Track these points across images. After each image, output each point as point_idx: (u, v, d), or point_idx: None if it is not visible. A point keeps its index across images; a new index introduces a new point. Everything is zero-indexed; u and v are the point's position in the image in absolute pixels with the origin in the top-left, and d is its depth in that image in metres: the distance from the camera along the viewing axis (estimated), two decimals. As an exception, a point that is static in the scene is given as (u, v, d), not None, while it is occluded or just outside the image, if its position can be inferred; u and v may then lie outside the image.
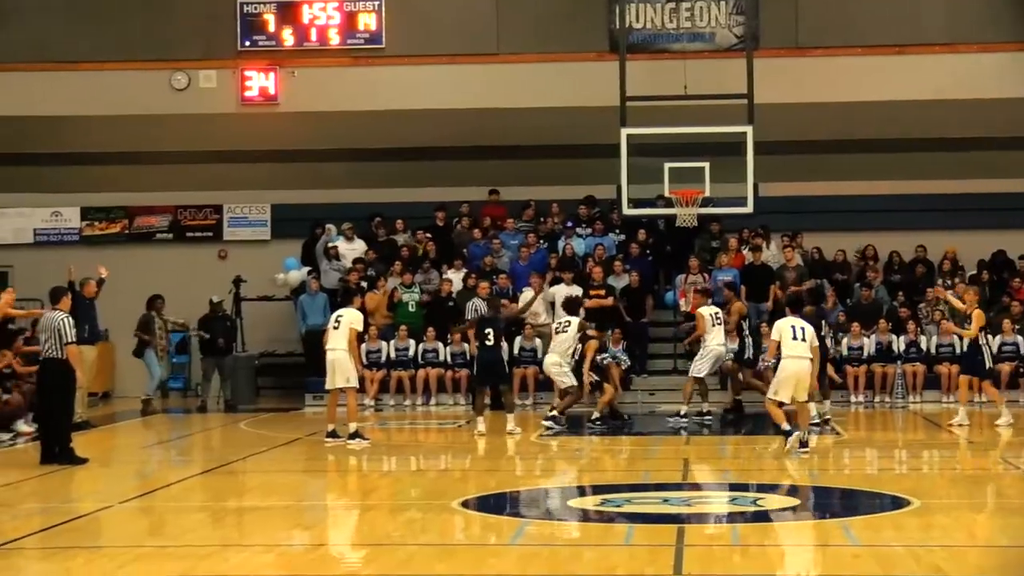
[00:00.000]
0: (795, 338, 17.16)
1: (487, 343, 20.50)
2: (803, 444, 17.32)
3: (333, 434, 19.55)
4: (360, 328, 19.88)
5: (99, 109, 29.01)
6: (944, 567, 10.52)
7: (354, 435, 19.24)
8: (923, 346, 26.07)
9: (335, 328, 19.54)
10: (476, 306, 25.20)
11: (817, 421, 21.67)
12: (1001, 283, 27.72)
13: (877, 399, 25.69)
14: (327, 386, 19.71)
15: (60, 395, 17.87)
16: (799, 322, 17.45)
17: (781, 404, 17.40)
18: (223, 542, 12.36)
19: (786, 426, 17.44)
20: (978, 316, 20.98)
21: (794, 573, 10.50)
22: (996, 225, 28.51)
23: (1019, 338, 25.92)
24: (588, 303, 26.40)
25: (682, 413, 22.35)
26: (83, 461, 17.48)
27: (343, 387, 19.51)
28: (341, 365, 19.41)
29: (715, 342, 22.52)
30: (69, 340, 17.67)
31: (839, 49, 28.69)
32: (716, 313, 22.47)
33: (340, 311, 19.83)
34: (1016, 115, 28.24)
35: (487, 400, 21.33)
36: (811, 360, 17.28)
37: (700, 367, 22.64)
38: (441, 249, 28.44)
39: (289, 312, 28.52)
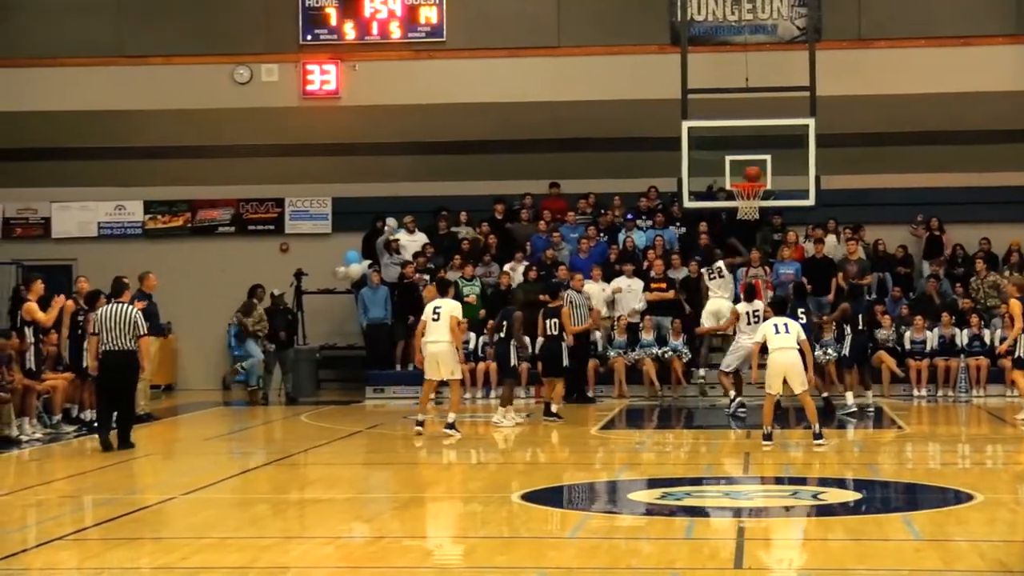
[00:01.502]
0: (777, 333, 17.38)
1: (500, 335, 21.00)
2: (817, 436, 17.44)
3: (421, 423, 19.43)
4: (460, 316, 19.62)
5: (162, 103, 29.20)
6: (1007, 562, 10.45)
7: (451, 426, 19.09)
8: (987, 340, 25.86)
9: (435, 320, 19.18)
10: (571, 298, 24.87)
11: (854, 410, 21.75)
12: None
13: (940, 393, 25.51)
14: (428, 376, 19.44)
15: (126, 386, 18.13)
16: (781, 320, 17.67)
17: (778, 403, 17.61)
18: (284, 534, 12.43)
19: (767, 429, 17.59)
20: (1015, 306, 20.72)
21: (856, 567, 10.45)
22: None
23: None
24: (649, 296, 26.46)
25: (733, 402, 22.19)
26: (132, 446, 17.98)
27: (448, 379, 19.41)
28: (445, 358, 19.15)
29: (747, 339, 21.48)
30: (143, 332, 17.97)
31: (903, 40, 28.49)
32: (755, 311, 22.09)
33: (438, 302, 19.42)
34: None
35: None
36: (800, 352, 17.36)
37: (728, 361, 22.41)
38: (500, 242, 28.47)
39: (350, 305, 28.61)
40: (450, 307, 19.31)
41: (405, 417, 19.70)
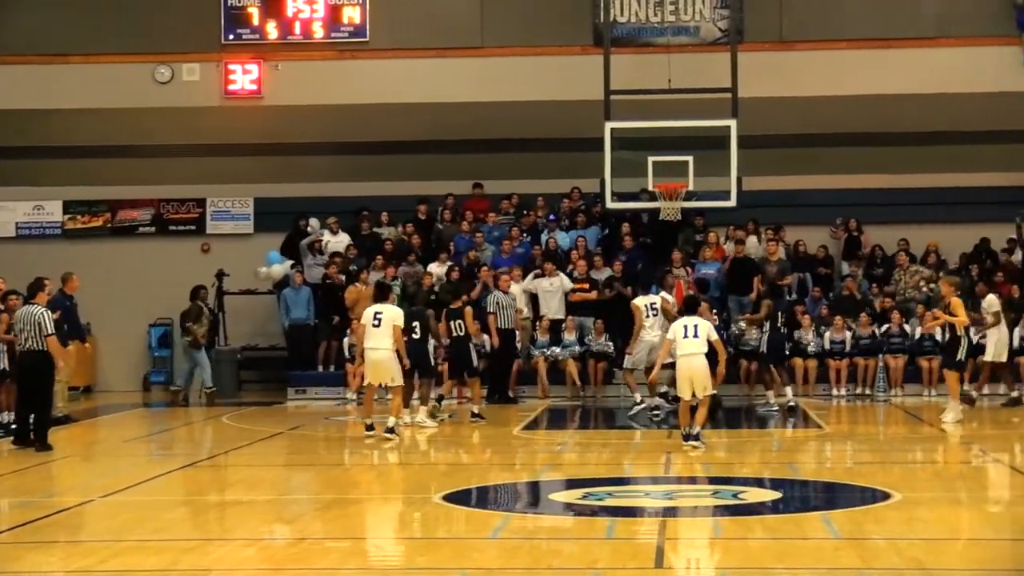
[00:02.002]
0: (686, 336, 17.23)
1: (414, 336, 20.41)
2: (688, 438, 17.27)
3: (371, 427, 18.99)
4: (401, 324, 19.13)
5: (82, 102, 29.02)
6: (925, 560, 10.55)
7: (391, 430, 18.75)
8: (908, 331, 26.05)
9: (375, 326, 18.85)
10: (498, 299, 25.00)
11: (775, 409, 22.21)
12: (983, 275, 27.76)
13: (859, 391, 25.74)
14: (369, 381, 19.16)
15: (39, 386, 18.00)
16: (692, 320, 17.47)
17: (694, 405, 17.34)
18: (205, 536, 12.36)
19: (686, 430, 17.35)
20: (957, 304, 20.81)
21: (775, 566, 10.53)
22: (978, 219, 28.53)
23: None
24: (573, 297, 26.53)
25: (637, 405, 21.94)
26: (50, 448, 17.81)
27: (389, 385, 19.15)
28: (386, 365, 18.85)
29: (649, 333, 21.62)
30: (49, 332, 17.81)
31: (823, 43, 28.79)
32: (652, 304, 21.78)
33: (378, 307, 19.08)
34: (1000, 109, 28.38)
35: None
36: (706, 355, 17.21)
37: (632, 360, 22.07)
38: (424, 243, 28.44)
39: (272, 306, 28.48)
40: (392, 313, 19.02)
41: (327, 419, 19.58)
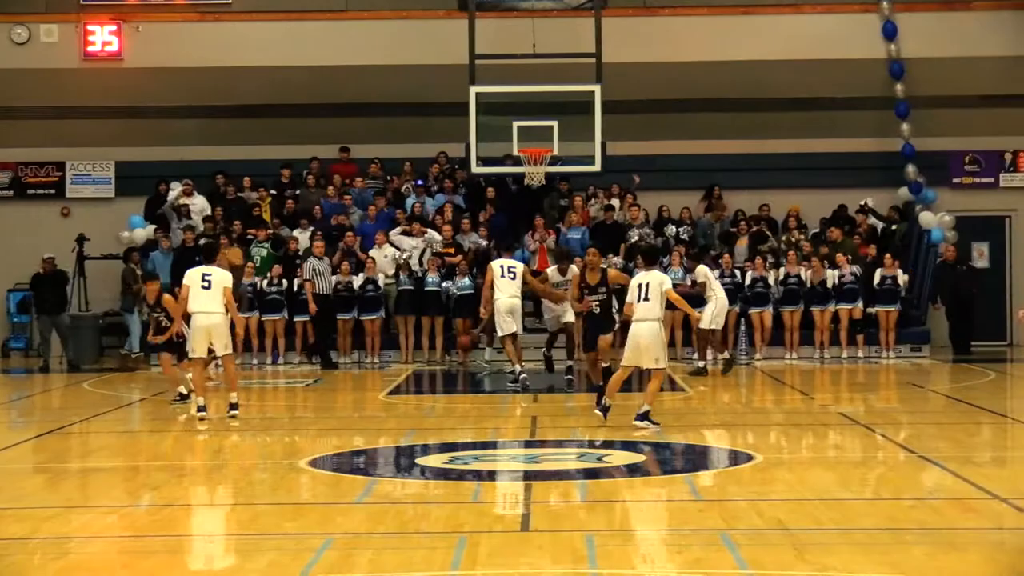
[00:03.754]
0: (639, 299, 15.89)
1: None
2: (605, 410, 16.42)
3: (204, 408, 17.45)
4: (230, 285, 17.56)
5: (-64, 63, 28.41)
6: (784, 519, 10.72)
7: (234, 406, 17.63)
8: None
9: (205, 288, 17.29)
10: (313, 265, 25.23)
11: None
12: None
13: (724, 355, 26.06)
14: (196, 353, 17.50)
15: None
16: (645, 278, 16.09)
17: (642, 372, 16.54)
18: (66, 504, 12.19)
19: (607, 402, 16.44)
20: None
21: (639, 528, 10.63)
22: (837, 184, 28.98)
23: (856, 268, 26.47)
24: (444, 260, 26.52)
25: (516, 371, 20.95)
26: None
27: (221, 354, 17.77)
28: (220, 331, 17.34)
29: (503, 297, 20.73)
30: None
31: (686, 9, 29.03)
32: (510, 267, 20.89)
33: (206, 269, 17.49)
34: (857, 76, 28.79)
35: None
36: (659, 321, 15.91)
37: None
38: (286, 207, 28.26)
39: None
40: (221, 276, 17.52)
41: (173, 403, 19.05)
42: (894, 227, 28.55)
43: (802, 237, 27.67)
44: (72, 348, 26.19)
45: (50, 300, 25.92)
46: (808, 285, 26.42)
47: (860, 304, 26.36)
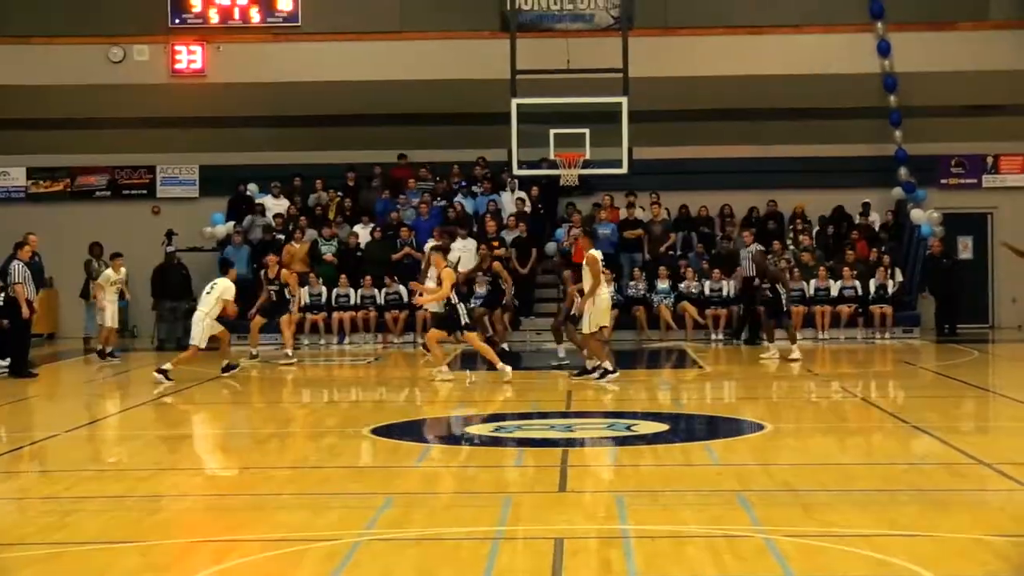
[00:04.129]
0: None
1: None
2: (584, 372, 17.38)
3: (228, 368, 19.69)
4: (230, 298, 19.47)
5: (45, 79, 28.71)
6: (792, 482, 10.70)
7: (162, 371, 18.96)
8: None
9: (207, 293, 19.43)
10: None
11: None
12: (837, 235, 28.17)
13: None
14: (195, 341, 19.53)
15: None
16: None
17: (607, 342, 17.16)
18: (158, 466, 12.26)
19: (608, 365, 17.02)
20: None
21: (663, 489, 10.62)
22: (836, 185, 28.87)
23: (856, 283, 26.39)
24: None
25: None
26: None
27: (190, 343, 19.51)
28: (195, 325, 19.39)
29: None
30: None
31: (702, 30, 28.90)
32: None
33: (216, 280, 19.71)
34: (854, 88, 28.62)
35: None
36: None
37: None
38: (352, 207, 28.36)
39: (214, 263, 28.21)
40: (223, 286, 19.36)
41: (262, 361, 19.31)
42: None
43: (806, 237, 27.37)
44: (164, 330, 26.31)
45: (172, 288, 26.19)
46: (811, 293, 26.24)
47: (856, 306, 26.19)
